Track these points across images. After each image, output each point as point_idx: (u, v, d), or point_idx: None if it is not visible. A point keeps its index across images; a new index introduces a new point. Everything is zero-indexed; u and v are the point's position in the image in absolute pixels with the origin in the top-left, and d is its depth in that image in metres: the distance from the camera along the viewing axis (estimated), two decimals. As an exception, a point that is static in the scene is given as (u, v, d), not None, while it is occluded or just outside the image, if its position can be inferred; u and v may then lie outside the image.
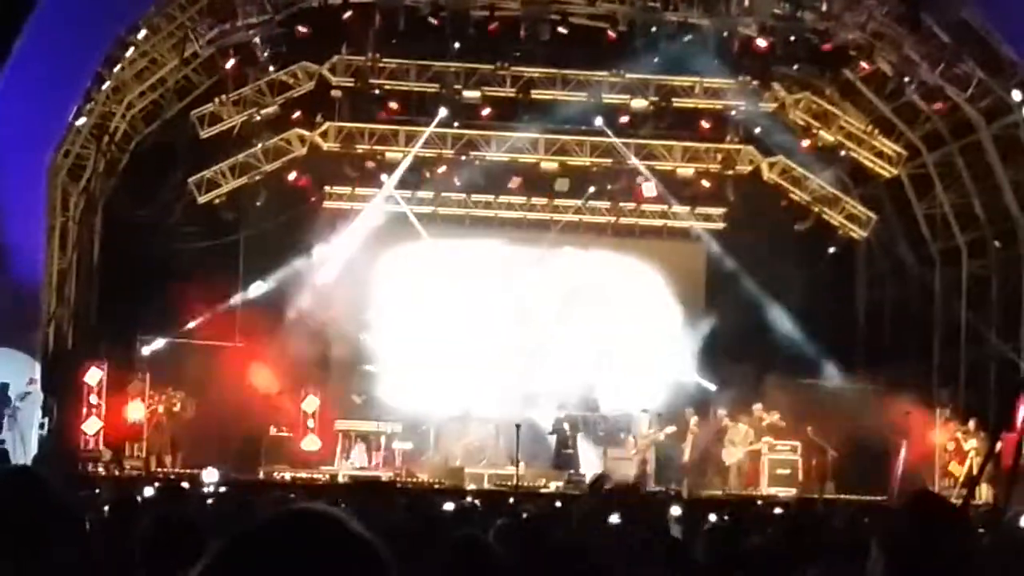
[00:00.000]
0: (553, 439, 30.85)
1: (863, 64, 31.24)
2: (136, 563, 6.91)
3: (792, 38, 30.58)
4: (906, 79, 30.58)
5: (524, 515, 12.00)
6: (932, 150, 31.90)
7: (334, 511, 2.47)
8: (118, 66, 29.27)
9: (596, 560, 5.84)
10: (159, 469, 29.18)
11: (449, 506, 13.23)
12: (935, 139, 31.78)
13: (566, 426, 30.87)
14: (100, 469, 27.78)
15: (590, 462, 30.06)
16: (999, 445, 17.80)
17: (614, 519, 8.19)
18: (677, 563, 7.74)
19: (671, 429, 30.57)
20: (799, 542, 7.60)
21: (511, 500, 23.60)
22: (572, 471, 29.68)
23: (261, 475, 28.33)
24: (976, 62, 28.85)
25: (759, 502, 25.11)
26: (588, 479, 28.39)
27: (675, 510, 18.26)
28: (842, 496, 27.57)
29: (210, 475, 25.40)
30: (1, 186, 26.57)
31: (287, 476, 28.59)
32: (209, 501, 12.49)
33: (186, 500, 11.43)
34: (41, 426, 27.31)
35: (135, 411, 29.81)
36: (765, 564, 7.18)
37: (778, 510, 18.26)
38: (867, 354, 33.10)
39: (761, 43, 30.57)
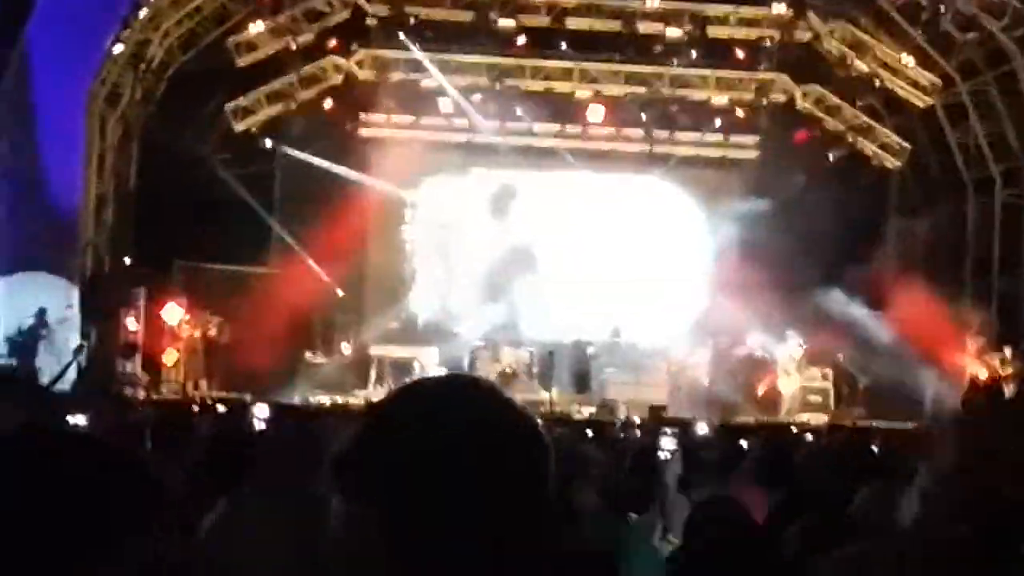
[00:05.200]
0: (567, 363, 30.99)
1: (898, -7, 31.21)
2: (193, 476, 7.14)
3: (827, -33, 30.55)
4: (941, 8, 30.52)
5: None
6: (966, 79, 31.85)
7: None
8: (155, -7, 29.46)
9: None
10: (195, 393, 29.49)
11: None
12: (970, 69, 31.73)
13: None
14: (139, 393, 28.06)
15: (620, 389, 30.21)
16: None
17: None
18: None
19: (701, 356, 30.74)
20: (844, 465, 7.79)
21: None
22: (602, 396, 29.87)
23: (296, 400, 28.56)
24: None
25: (793, 428, 25.27)
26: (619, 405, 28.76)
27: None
28: (873, 423, 27.72)
29: (261, 411, 25.45)
30: (40, 114, 26.75)
31: (324, 401, 28.82)
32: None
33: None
34: (80, 348, 27.59)
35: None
36: (814, 487, 7.38)
37: (809, 436, 18.48)
38: (897, 283, 33.09)
39: (796, -28, 30.54)
